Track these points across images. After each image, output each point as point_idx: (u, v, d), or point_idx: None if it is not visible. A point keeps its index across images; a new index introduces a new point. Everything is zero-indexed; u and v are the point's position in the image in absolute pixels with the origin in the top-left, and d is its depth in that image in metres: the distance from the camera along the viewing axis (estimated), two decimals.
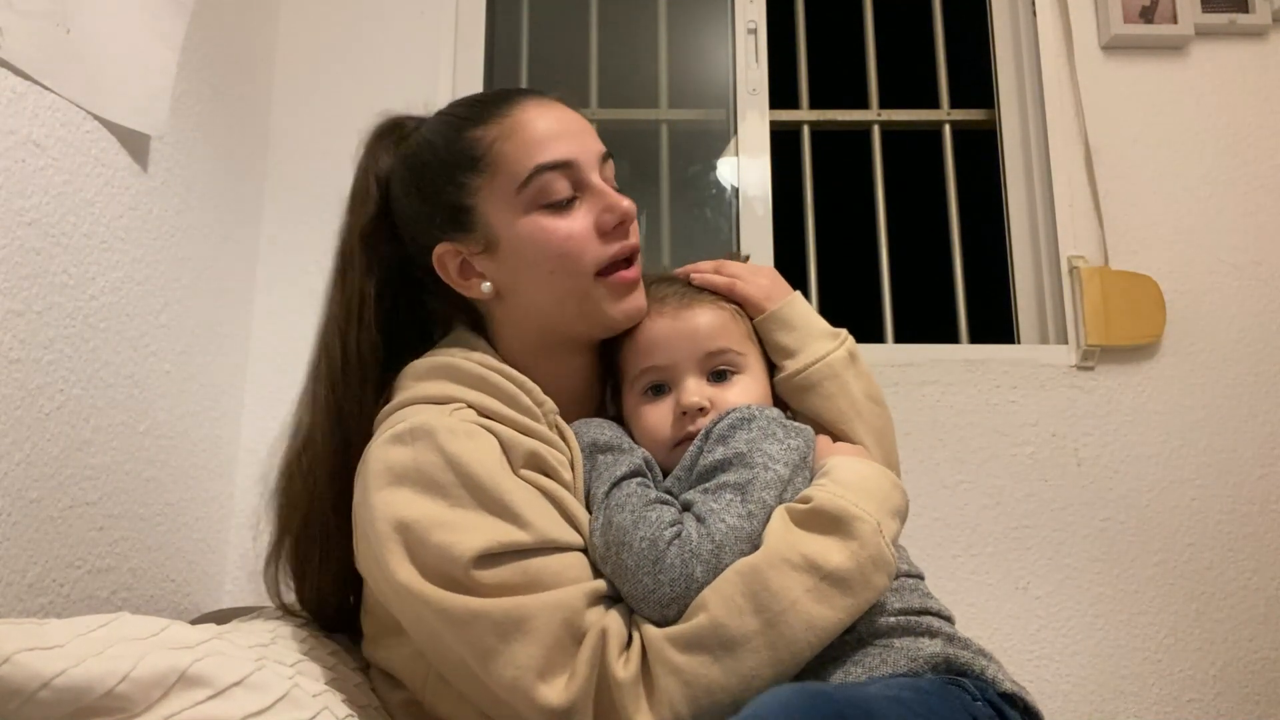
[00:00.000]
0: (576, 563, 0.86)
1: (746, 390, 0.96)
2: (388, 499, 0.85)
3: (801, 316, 1.02)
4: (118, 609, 1.21)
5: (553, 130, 0.95)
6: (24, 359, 1.09)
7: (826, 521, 0.82)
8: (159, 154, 1.41)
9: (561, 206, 0.94)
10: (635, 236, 0.98)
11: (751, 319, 1.02)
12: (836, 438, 0.98)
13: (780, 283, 1.05)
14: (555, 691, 0.79)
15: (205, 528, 1.54)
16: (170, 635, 0.76)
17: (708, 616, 0.79)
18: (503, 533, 0.83)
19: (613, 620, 0.82)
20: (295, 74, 1.90)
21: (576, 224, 0.94)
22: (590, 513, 0.90)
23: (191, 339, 1.50)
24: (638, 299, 0.97)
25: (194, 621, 0.90)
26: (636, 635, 0.81)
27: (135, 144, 1.34)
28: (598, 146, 0.98)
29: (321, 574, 0.99)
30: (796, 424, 0.96)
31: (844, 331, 1.05)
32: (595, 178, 0.96)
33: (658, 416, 0.95)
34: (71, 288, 1.19)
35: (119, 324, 1.29)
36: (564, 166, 0.94)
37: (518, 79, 2.11)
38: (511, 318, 0.99)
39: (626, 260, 0.96)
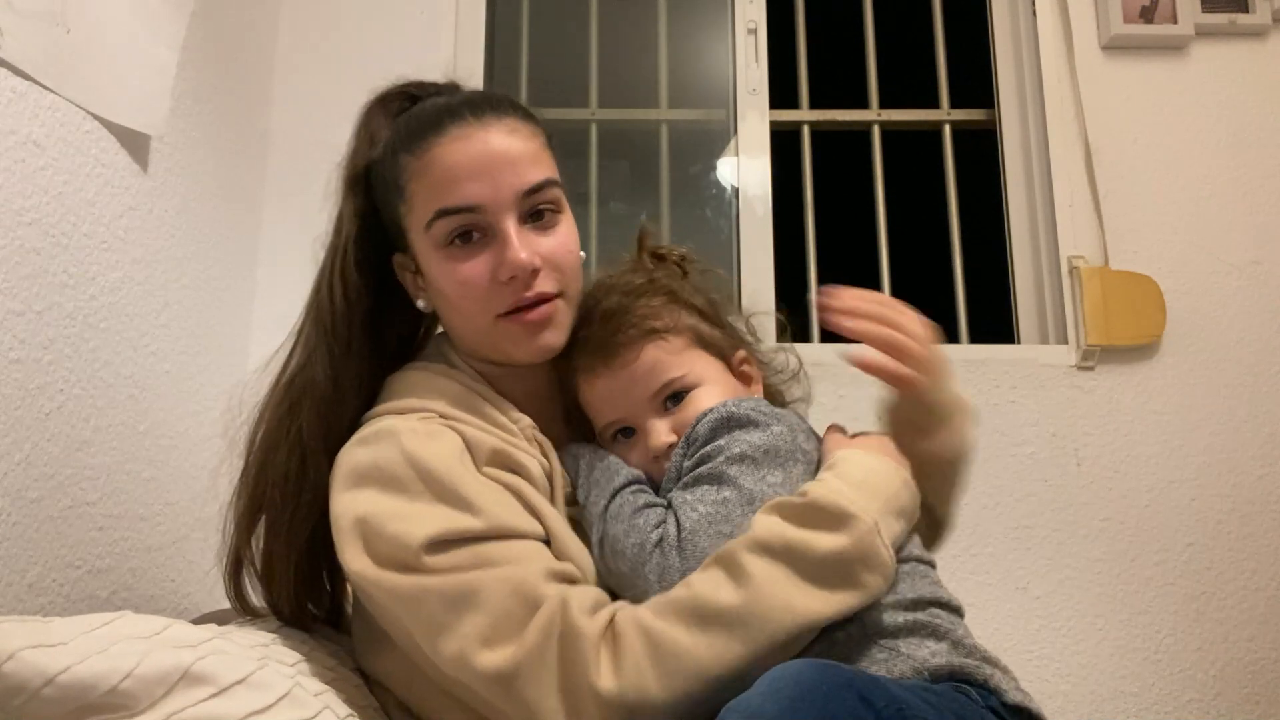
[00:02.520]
0: (534, 548, 0.86)
1: (708, 398, 0.94)
2: (350, 499, 0.87)
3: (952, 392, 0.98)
4: (118, 609, 1.21)
5: (464, 170, 0.91)
6: (24, 359, 1.09)
7: (819, 517, 0.80)
8: (159, 154, 1.41)
9: (464, 248, 0.92)
10: (543, 284, 0.92)
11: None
12: None
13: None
14: (498, 656, 0.78)
15: (205, 528, 1.54)
16: (173, 634, 0.76)
17: (685, 588, 0.79)
18: (455, 520, 0.84)
19: (580, 591, 0.82)
20: (295, 74, 1.90)
21: (476, 268, 0.92)
22: (583, 520, 0.91)
23: (191, 339, 1.50)
24: (545, 339, 0.94)
25: (195, 621, 0.90)
26: (613, 606, 0.82)
27: (135, 144, 1.34)
28: (519, 182, 0.92)
29: (289, 563, 0.97)
30: (778, 410, 0.94)
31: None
32: (505, 222, 0.91)
33: (635, 457, 0.95)
34: (71, 288, 1.19)
35: (119, 324, 1.29)
36: (467, 211, 0.91)
37: (518, 79, 2.11)
38: (450, 333, 1.01)
39: (529, 304, 0.93)
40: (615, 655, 0.77)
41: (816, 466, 0.90)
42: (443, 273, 0.93)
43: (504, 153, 0.92)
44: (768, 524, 0.81)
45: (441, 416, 0.92)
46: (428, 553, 0.82)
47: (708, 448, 0.88)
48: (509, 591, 0.81)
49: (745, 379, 1.00)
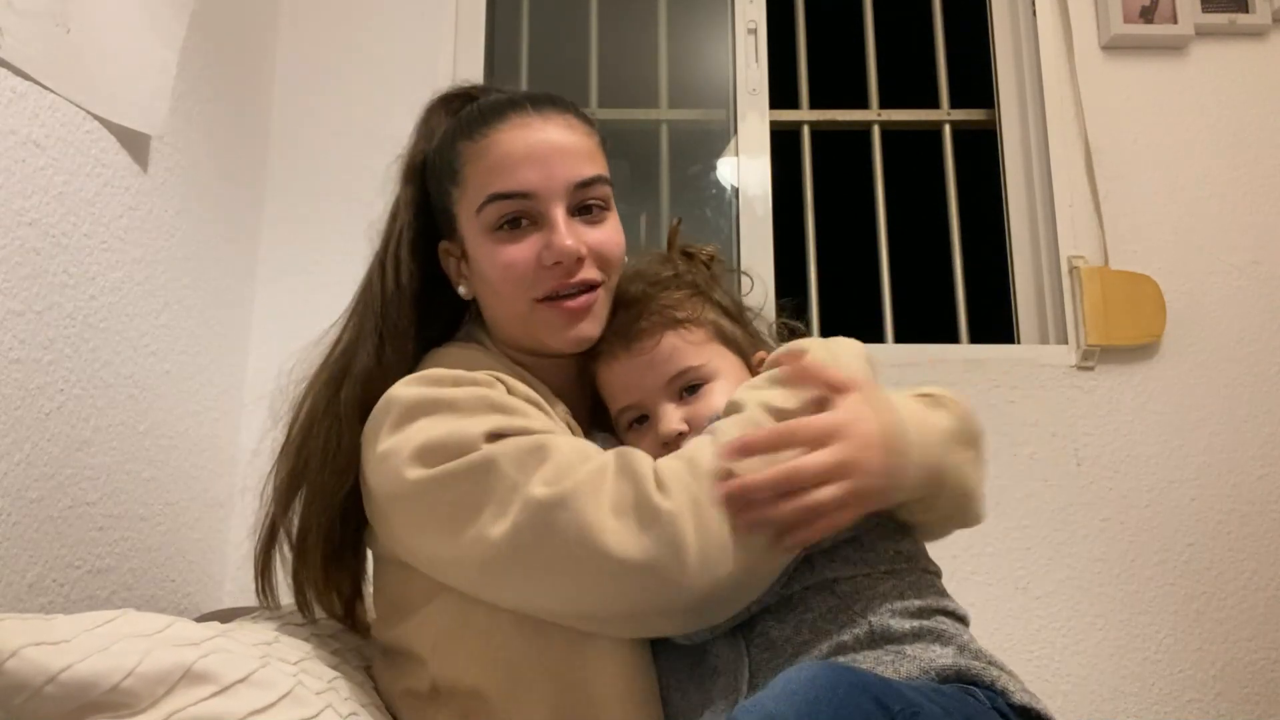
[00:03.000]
0: (588, 442, 0.90)
1: (723, 393, 0.94)
2: (403, 436, 0.87)
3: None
4: (118, 609, 1.21)
5: (519, 157, 0.95)
6: (24, 359, 1.09)
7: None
8: (159, 154, 1.41)
9: (511, 233, 0.95)
10: (587, 272, 0.95)
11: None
12: None
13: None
14: (555, 487, 0.81)
15: (205, 528, 1.54)
16: (175, 632, 0.76)
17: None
18: (510, 420, 0.87)
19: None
20: (295, 74, 1.90)
21: (522, 252, 0.94)
22: None
23: (191, 339, 1.50)
24: (583, 329, 0.96)
25: (198, 620, 0.90)
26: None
27: (135, 144, 1.34)
28: (572, 174, 0.95)
29: (321, 534, 0.98)
30: None
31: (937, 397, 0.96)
32: (555, 210, 0.94)
33: (646, 446, 0.96)
34: (71, 288, 1.19)
35: (119, 324, 1.29)
36: (520, 196, 0.94)
37: (518, 79, 2.11)
38: (489, 319, 1.03)
39: (571, 294, 0.95)
40: (663, 487, 0.81)
41: None
42: (488, 255, 0.96)
43: (560, 145, 0.96)
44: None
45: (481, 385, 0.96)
46: (488, 441, 0.85)
47: None
48: (573, 448, 0.85)
49: None
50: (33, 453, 1.10)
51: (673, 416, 0.94)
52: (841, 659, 0.80)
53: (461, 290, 1.02)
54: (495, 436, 0.85)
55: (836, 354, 0.91)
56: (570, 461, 0.83)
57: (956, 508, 0.88)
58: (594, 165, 0.98)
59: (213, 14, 1.59)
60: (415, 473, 0.85)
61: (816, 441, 0.81)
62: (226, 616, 1.02)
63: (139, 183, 1.35)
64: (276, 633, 0.92)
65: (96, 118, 1.24)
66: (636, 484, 0.81)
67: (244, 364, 1.72)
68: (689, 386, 0.96)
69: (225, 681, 0.73)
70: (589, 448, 0.87)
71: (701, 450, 0.84)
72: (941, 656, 0.80)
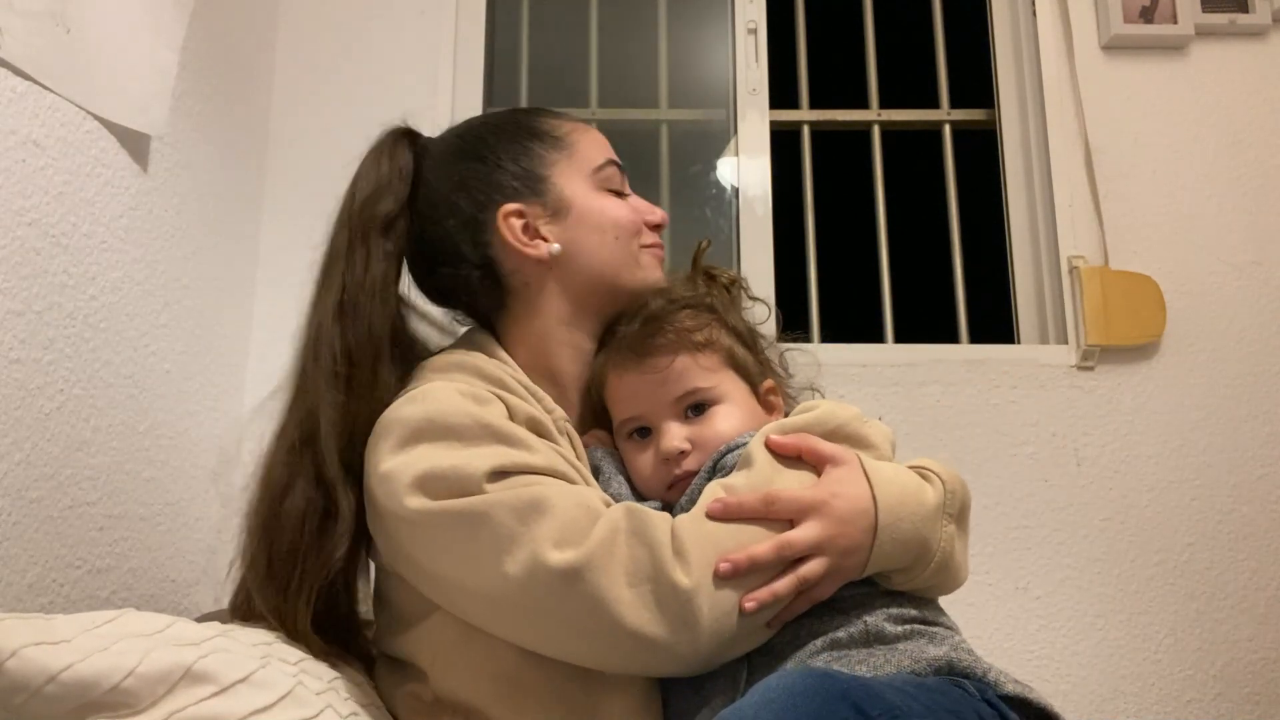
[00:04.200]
0: (587, 490, 0.91)
1: (728, 417, 0.96)
2: (404, 459, 0.87)
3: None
4: (119, 609, 1.21)
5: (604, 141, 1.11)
6: (24, 359, 1.09)
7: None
8: (159, 154, 1.41)
9: (621, 197, 1.08)
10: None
11: None
12: None
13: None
14: (569, 554, 0.81)
15: (205, 528, 1.54)
16: (175, 632, 0.76)
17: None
18: (513, 455, 0.88)
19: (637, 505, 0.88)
20: (295, 74, 1.90)
21: (637, 207, 1.09)
22: None
23: (191, 339, 1.50)
24: (660, 273, 1.08)
25: (198, 620, 0.90)
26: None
27: (135, 144, 1.34)
28: None
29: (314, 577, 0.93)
30: None
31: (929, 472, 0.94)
32: (628, 189, 1.11)
33: (645, 459, 0.97)
34: (71, 288, 1.19)
35: (119, 324, 1.29)
36: (620, 166, 1.09)
37: (518, 79, 2.11)
38: (563, 282, 1.03)
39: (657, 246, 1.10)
40: (682, 556, 0.82)
41: None
42: (610, 206, 1.06)
43: None
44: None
45: (484, 381, 0.96)
46: (489, 481, 0.85)
47: None
48: (575, 503, 0.85)
49: (769, 407, 1.02)
50: (33, 453, 1.10)
51: (676, 435, 0.96)
52: (835, 653, 0.81)
53: (554, 248, 1.02)
54: (498, 475, 0.86)
55: (844, 419, 0.94)
56: (575, 520, 0.83)
57: (938, 578, 0.89)
58: None
59: (213, 14, 1.59)
60: (416, 501, 0.85)
61: (797, 514, 0.84)
62: (227, 617, 1.02)
63: (139, 183, 1.35)
64: (276, 634, 0.92)
65: (96, 118, 1.24)
66: (653, 552, 0.82)
67: (244, 364, 1.72)
68: (695, 406, 0.97)
69: (225, 682, 0.73)
70: (588, 497, 0.87)
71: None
72: (933, 650, 0.81)
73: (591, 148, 1.09)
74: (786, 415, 1.04)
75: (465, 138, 1.09)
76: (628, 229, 1.06)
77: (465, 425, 0.88)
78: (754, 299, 1.12)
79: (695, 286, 1.06)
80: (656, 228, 1.10)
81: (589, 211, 1.05)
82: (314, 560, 0.91)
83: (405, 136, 1.09)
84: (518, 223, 1.03)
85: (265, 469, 0.97)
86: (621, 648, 0.81)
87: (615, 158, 1.10)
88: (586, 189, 1.06)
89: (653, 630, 0.80)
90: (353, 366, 0.96)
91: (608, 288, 1.05)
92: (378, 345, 0.98)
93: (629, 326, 1.00)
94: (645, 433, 0.98)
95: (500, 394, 0.94)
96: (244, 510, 0.98)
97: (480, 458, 0.86)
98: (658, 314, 1.00)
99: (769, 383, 1.03)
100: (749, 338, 1.04)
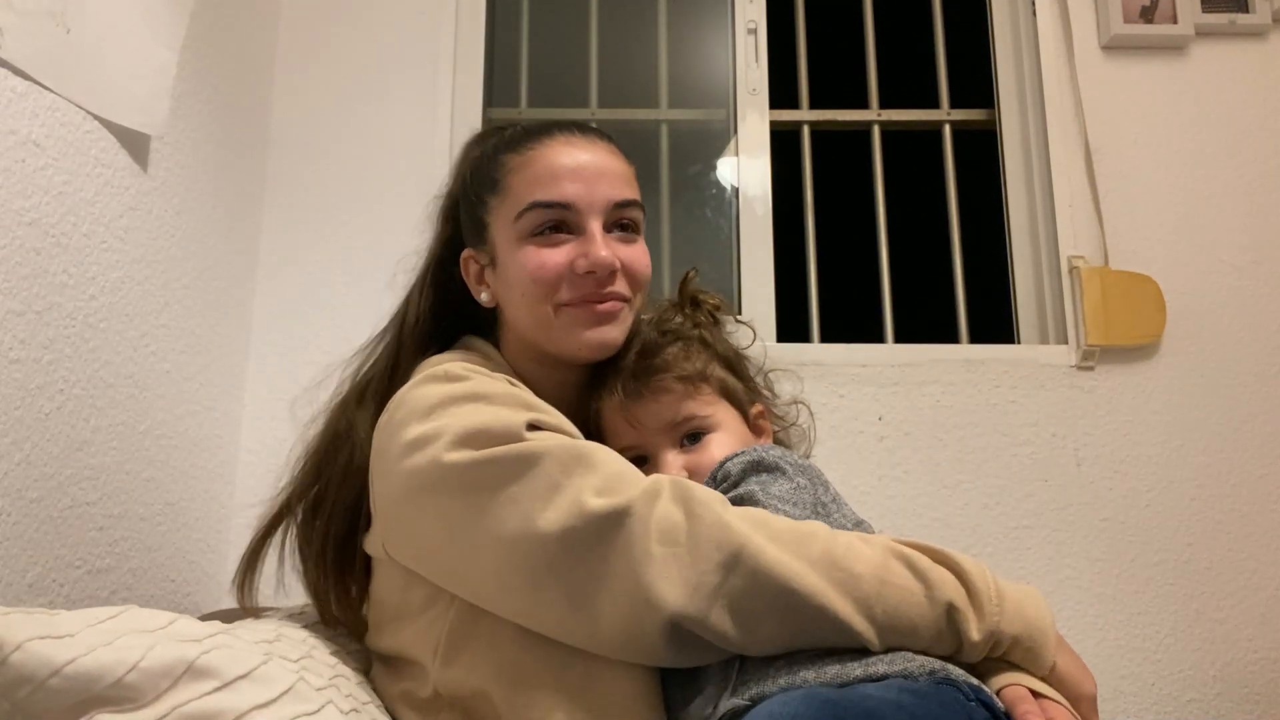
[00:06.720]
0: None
1: (722, 445, 0.99)
2: (437, 424, 0.88)
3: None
4: (122, 605, 1.21)
5: (565, 170, 0.99)
6: (24, 359, 1.09)
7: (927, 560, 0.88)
8: (159, 154, 1.41)
9: (549, 238, 0.99)
10: (618, 285, 0.99)
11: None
12: None
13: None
14: (612, 499, 0.81)
15: (205, 528, 1.54)
16: (178, 628, 0.77)
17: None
18: (543, 416, 0.90)
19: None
20: (295, 74, 1.90)
21: (556, 256, 0.98)
22: None
23: (191, 339, 1.50)
24: (606, 332, 0.99)
25: (201, 619, 0.90)
26: None
27: (135, 144, 1.34)
28: (612, 193, 1.00)
29: (338, 554, 0.99)
30: (802, 462, 0.97)
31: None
32: (592, 224, 0.98)
33: None
34: (71, 288, 1.19)
35: (119, 324, 1.29)
36: (561, 206, 0.98)
37: (518, 79, 2.11)
38: (507, 328, 1.07)
39: (599, 300, 0.99)
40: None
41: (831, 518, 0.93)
42: (521, 258, 0.99)
43: (604, 165, 1.01)
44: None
45: (489, 365, 0.99)
46: (530, 429, 0.86)
47: (740, 489, 0.91)
48: (616, 459, 0.87)
49: (759, 431, 1.06)
50: (33, 453, 1.10)
51: (673, 463, 0.98)
52: (829, 656, 0.81)
53: (483, 298, 1.05)
54: (535, 428, 0.87)
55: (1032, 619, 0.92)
56: (620, 474, 0.85)
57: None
58: (632, 190, 1.03)
59: (213, 14, 1.59)
60: (457, 455, 0.85)
61: None
62: (228, 617, 1.02)
63: (139, 183, 1.35)
64: (278, 630, 0.92)
65: (96, 118, 1.24)
66: (697, 509, 0.82)
67: (244, 364, 1.72)
68: (691, 435, 1.00)
69: (227, 677, 0.74)
70: (627, 464, 0.89)
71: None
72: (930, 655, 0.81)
73: (523, 187, 0.99)
74: (775, 436, 1.09)
75: (468, 171, 1.09)
76: (534, 288, 0.98)
77: (493, 390, 0.91)
78: (740, 322, 1.13)
79: (684, 314, 1.08)
80: (588, 275, 0.97)
81: (504, 266, 1.01)
82: (344, 496, 0.99)
83: (485, 140, 1.11)
84: (474, 268, 1.06)
85: (331, 414, 1.05)
86: (636, 611, 0.79)
87: (550, 198, 0.98)
88: (508, 238, 1.01)
89: (670, 595, 0.78)
90: (400, 344, 1.06)
91: (539, 349, 1.03)
92: (424, 324, 1.06)
93: (622, 359, 1.02)
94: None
95: (510, 380, 0.97)
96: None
97: (516, 414, 0.87)
98: (652, 346, 1.02)
99: (758, 407, 1.06)
100: (737, 364, 1.07)
